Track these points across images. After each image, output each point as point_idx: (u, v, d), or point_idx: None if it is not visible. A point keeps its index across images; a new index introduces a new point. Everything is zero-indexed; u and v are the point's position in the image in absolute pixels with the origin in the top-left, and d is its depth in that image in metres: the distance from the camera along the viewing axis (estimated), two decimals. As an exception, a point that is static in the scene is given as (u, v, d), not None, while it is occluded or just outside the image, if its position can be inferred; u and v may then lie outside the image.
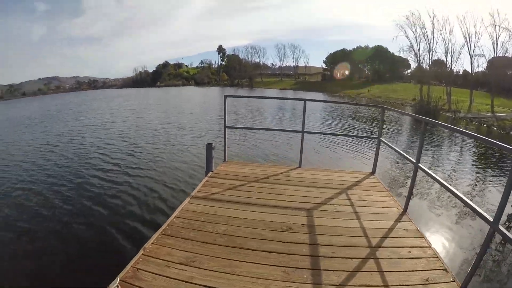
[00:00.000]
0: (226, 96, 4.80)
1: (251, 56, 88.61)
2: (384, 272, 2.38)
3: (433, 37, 37.17)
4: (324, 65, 79.38)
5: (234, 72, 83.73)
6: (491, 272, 4.03)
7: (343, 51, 73.15)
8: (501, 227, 1.96)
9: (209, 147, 4.53)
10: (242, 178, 4.39)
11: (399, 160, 9.18)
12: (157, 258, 2.42)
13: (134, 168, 8.35)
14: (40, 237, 4.87)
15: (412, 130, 17.06)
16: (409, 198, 3.50)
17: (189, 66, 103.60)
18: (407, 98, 38.36)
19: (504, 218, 5.58)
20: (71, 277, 3.83)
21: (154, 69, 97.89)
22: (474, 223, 5.24)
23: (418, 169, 3.31)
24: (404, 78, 62.90)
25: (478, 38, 33.44)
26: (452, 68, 39.20)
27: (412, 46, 39.40)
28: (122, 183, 7.18)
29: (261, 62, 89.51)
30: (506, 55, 32.56)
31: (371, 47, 69.13)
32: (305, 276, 2.30)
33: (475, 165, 9.90)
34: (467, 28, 40.48)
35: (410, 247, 2.76)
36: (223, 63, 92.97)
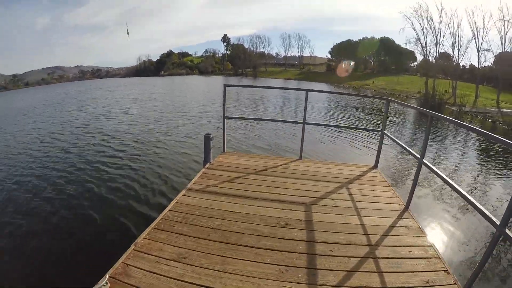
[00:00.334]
0: (225, 86, 4.68)
1: (256, 45, 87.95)
2: (383, 273, 2.29)
3: (441, 30, 36.39)
4: (329, 56, 78.63)
5: (238, 61, 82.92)
6: (495, 277, 3.89)
7: (348, 42, 72.11)
8: (507, 231, 1.85)
9: (207, 138, 4.43)
10: (240, 170, 4.29)
11: (402, 154, 9.03)
12: (148, 254, 2.35)
13: (133, 158, 8.27)
14: (27, 232, 4.72)
15: (416, 123, 16.83)
16: (411, 194, 3.38)
17: (193, 56, 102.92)
18: (412, 90, 37.88)
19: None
20: (60, 273, 3.73)
21: (158, 58, 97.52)
22: (478, 223, 5.07)
23: (422, 165, 3.18)
24: (409, 70, 62.16)
25: (486, 33, 32.81)
26: (459, 62, 38.59)
27: (419, 39, 38.68)
28: (118, 174, 7.09)
29: (265, 52, 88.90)
30: (514, 50, 32.03)
31: (377, 38, 68.22)
32: (300, 275, 2.21)
33: (479, 160, 9.73)
34: (475, 22, 39.91)
35: (411, 246, 2.66)
36: (228, 52, 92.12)
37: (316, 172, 4.43)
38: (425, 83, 35.20)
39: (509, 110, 23.75)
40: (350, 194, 3.74)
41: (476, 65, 37.11)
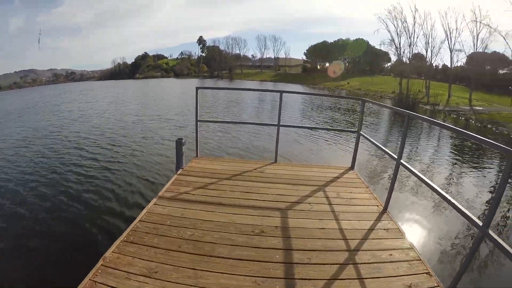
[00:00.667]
0: (198, 88, 4.55)
1: (232, 47, 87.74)
2: (364, 279, 2.19)
3: (414, 31, 37.96)
4: (304, 57, 79.83)
5: (214, 63, 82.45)
6: (478, 278, 3.90)
7: (323, 43, 73.55)
8: (491, 232, 1.79)
9: (179, 143, 4.23)
10: (213, 176, 4.11)
11: (379, 154, 9.11)
12: (117, 269, 2.15)
13: (105, 165, 7.86)
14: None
15: (391, 122, 17.21)
16: (390, 195, 3.32)
17: (168, 58, 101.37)
18: (386, 90, 39.01)
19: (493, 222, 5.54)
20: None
21: (133, 60, 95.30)
22: (457, 222, 5.07)
23: (400, 166, 3.12)
24: (384, 71, 63.97)
25: (459, 34, 34.59)
26: (432, 62, 40.28)
27: (393, 40, 40.14)
28: (90, 182, 6.70)
29: (241, 54, 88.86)
30: (485, 51, 33.72)
31: (351, 40, 69.76)
32: (277, 287, 2.08)
33: (453, 156, 10.02)
34: (448, 23, 41.52)
35: (391, 249, 2.58)
36: (203, 54, 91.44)
37: (292, 176, 4.32)
38: (399, 83, 36.39)
39: (481, 108, 24.88)
40: (327, 197, 3.64)
41: (449, 65, 39.13)
